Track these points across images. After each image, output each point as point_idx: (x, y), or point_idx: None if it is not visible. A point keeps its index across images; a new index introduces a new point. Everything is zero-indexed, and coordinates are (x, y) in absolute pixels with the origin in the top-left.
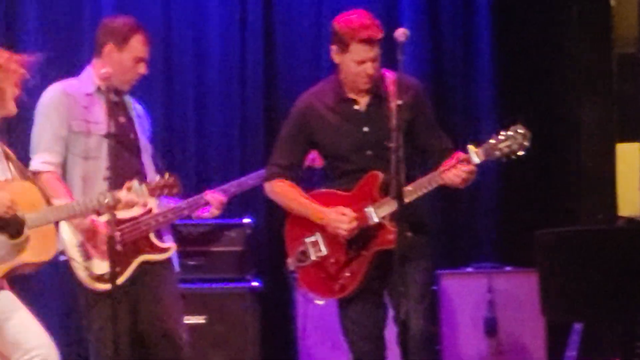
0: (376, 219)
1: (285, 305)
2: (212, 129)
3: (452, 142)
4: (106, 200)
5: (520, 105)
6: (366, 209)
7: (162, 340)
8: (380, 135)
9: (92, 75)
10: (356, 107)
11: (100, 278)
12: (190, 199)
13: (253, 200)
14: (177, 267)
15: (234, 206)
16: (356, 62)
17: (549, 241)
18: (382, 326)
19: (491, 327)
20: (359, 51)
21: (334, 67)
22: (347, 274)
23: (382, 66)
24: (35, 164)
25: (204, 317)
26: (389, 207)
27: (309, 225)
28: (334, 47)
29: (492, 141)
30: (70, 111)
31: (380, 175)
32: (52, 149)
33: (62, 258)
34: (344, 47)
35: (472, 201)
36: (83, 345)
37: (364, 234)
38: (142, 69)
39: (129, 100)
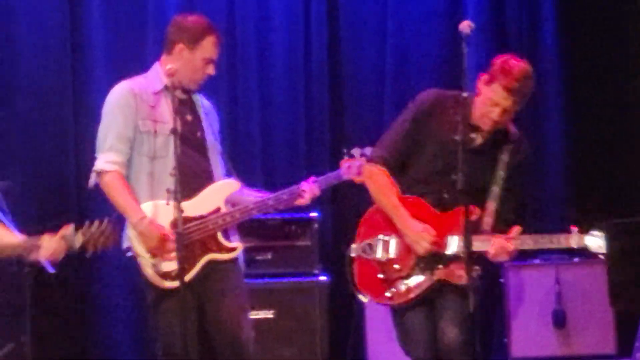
0: (453, 251)
1: (352, 300)
2: (277, 127)
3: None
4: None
5: (587, 98)
6: (449, 237)
7: (227, 340)
8: (476, 175)
9: (159, 73)
10: (473, 135)
11: (167, 275)
12: (258, 200)
13: (320, 195)
14: (242, 264)
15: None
16: (491, 102)
17: (617, 231)
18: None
19: (559, 319)
20: (498, 93)
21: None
22: (403, 287)
23: (451, 60)
24: (100, 163)
25: (272, 311)
26: (470, 246)
27: (389, 224)
28: (485, 77)
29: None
30: (137, 111)
31: (477, 212)
32: (117, 148)
33: (129, 254)
34: (490, 82)
35: (540, 192)
36: (151, 341)
37: (436, 259)
38: (211, 69)
39: (197, 97)
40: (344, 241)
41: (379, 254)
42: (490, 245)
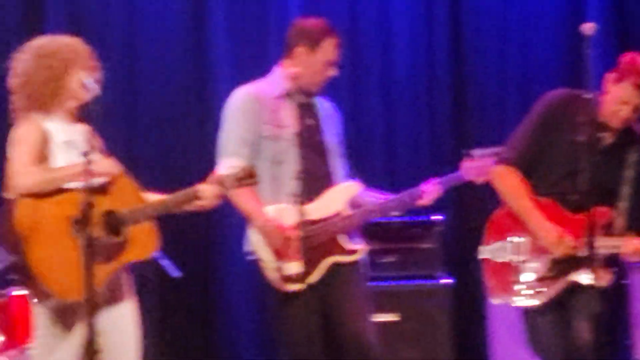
0: (588, 253)
1: (477, 302)
2: (400, 129)
3: None
4: (195, 194)
5: None
6: (583, 239)
7: (351, 342)
8: (605, 175)
9: (280, 77)
10: (602, 135)
11: (289, 279)
12: (379, 202)
13: (443, 198)
14: (365, 267)
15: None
16: (621, 100)
17: None
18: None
19: None
20: (628, 91)
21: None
22: (536, 289)
23: (572, 60)
24: (222, 168)
25: (396, 314)
26: (605, 248)
27: (519, 225)
28: (613, 75)
29: None
30: (259, 115)
31: (611, 215)
32: (239, 153)
33: (251, 258)
34: (619, 80)
35: None
36: (274, 345)
37: (570, 260)
38: (332, 71)
39: (317, 100)
40: (468, 244)
41: (511, 256)
42: (624, 246)
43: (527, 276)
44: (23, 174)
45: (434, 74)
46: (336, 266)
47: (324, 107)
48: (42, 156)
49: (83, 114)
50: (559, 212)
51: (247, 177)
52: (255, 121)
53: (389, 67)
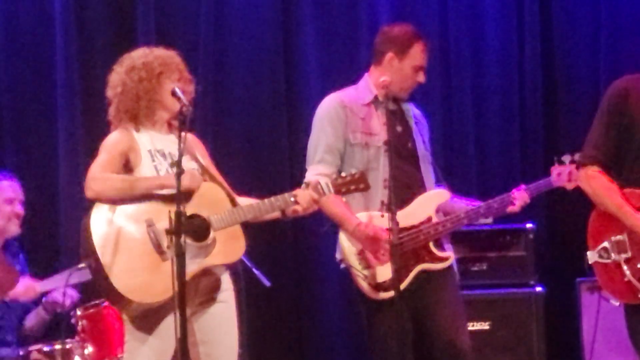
0: None
1: (570, 310)
2: (491, 135)
3: None
4: (291, 199)
5: None
6: None
7: (446, 349)
8: None
9: (369, 85)
10: None
11: (379, 286)
12: (469, 208)
13: (534, 205)
14: (456, 274)
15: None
16: None
17: None
18: None
19: None
20: None
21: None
22: None
23: None
24: (309, 175)
25: (488, 322)
26: None
27: (617, 223)
28: None
29: None
30: (347, 123)
31: None
32: (327, 160)
33: (342, 266)
34: None
35: None
36: (366, 354)
37: None
38: (421, 77)
39: (407, 107)
40: (559, 251)
41: (616, 255)
42: None
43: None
44: (98, 180)
45: (525, 78)
46: (426, 273)
47: (414, 113)
48: (128, 166)
49: (179, 124)
50: None
51: (358, 182)
52: (344, 129)
53: (480, 72)
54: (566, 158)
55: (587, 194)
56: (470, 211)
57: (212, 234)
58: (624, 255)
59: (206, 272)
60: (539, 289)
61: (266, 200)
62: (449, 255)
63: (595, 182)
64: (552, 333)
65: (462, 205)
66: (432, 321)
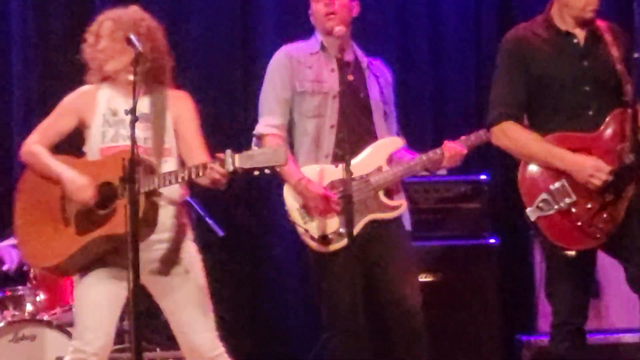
0: (632, 158)
1: (524, 262)
2: (448, 83)
3: None
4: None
5: None
6: (618, 149)
7: (396, 304)
8: (599, 72)
9: (317, 35)
10: (575, 41)
11: (324, 239)
12: (423, 155)
13: (489, 157)
14: (408, 225)
15: (470, 163)
16: None
17: None
18: None
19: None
20: None
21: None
22: (605, 217)
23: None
24: (260, 127)
25: (441, 274)
26: None
27: (550, 172)
28: None
29: None
30: (294, 73)
31: (628, 112)
32: (276, 112)
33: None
34: None
35: None
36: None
37: (620, 175)
38: (321, 7)
39: (363, 58)
40: (514, 204)
41: (561, 203)
42: None
43: (590, 212)
44: (26, 152)
45: (482, 30)
46: (376, 224)
47: (374, 65)
48: (84, 124)
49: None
50: (576, 139)
51: (273, 158)
52: (290, 79)
53: (438, 23)
54: None
55: (508, 150)
56: (419, 159)
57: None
58: (568, 200)
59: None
60: (492, 240)
61: (183, 169)
62: (399, 204)
63: (513, 134)
64: (506, 285)
65: (416, 154)
66: (382, 275)
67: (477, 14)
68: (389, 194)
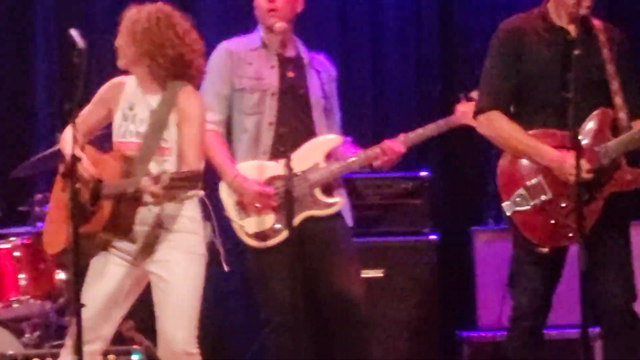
0: (609, 159)
1: (464, 259)
2: (388, 78)
3: None
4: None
5: None
6: (597, 149)
7: (338, 298)
8: (588, 69)
9: (260, 30)
10: (568, 37)
11: (258, 235)
12: (361, 152)
13: (430, 152)
14: (349, 221)
15: (411, 158)
16: None
17: None
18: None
19: None
20: None
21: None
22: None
23: None
24: None
25: (382, 270)
26: (623, 146)
27: (528, 168)
28: None
29: None
30: (232, 69)
31: (610, 112)
32: (214, 108)
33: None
34: None
35: None
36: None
37: (596, 176)
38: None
39: (305, 54)
40: (455, 199)
41: (536, 200)
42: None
43: (564, 210)
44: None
45: (422, 28)
46: (314, 221)
47: (317, 62)
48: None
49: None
50: (558, 137)
51: (191, 180)
52: (229, 75)
53: (379, 17)
54: (475, 94)
55: (492, 140)
56: (358, 157)
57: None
58: (543, 197)
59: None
60: (433, 237)
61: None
62: (336, 201)
63: (498, 124)
64: (446, 281)
65: (355, 151)
66: (322, 269)
67: (417, 11)
68: (327, 191)
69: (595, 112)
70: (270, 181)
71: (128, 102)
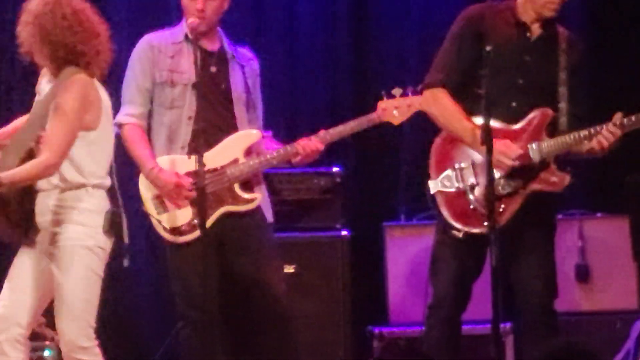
0: (539, 157)
1: (374, 254)
2: (302, 80)
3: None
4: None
5: None
6: (530, 145)
7: (256, 290)
8: (538, 70)
9: (183, 24)
10: (528, 34)
11: (176, 230)
12: (281, 149)
13: (342, 148)
14: (269, 217)
15: (323, 154)
16: None
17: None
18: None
19: (583, 274)
20: None
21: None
22: (499, 209)
23: None
24: (119, 116)
25: (293, 266)
26: (555, 147)
27: (461, 150)
28: None
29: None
30: (154, 62)
31: (551, 114)
32: (135, 101)
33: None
34: None
35: None
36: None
37: (523, 171)
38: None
39: (229, 48)
40: (367, 195)
41: (460, 183)
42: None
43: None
44: None
45: (336, 27)
46: (231, 216)
47: (241, 55)
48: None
49: None
50: (498, 128)
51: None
52: (151, 68)
53: (293, 22)
54: (397, 91)
55: (434, 117)
56: (277, 153)
57: None
58: (469, 182)
59: None
60: (344, 232)
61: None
62: (254, 196)
63: (442, 103)
64: (357, 277)
65: (276, 147)
66: (239, 265)
67: (333, 11)
68: (246, 186)
69: (536, 110)
70: (188, 176)
71: (39, 90)
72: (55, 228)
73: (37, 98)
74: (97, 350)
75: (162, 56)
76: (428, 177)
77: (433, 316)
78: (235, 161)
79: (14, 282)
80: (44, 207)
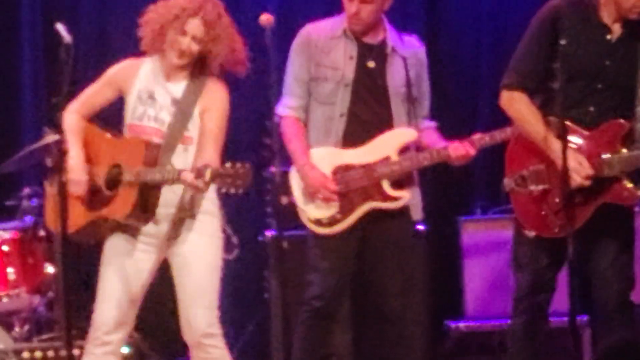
0: (613, 171)
1: (450, 248)
2: None
3: None
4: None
5: None
6: (604, 157)
7: (372, 288)
8: (618, 74)
9: (343, 18)
10: (608, 36)
11: (318, 222)
12: (434, 151)
13: None
14: (418, 214)
15: None
16: None
17: None
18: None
19: None
20: None
21: None
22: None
23: None
24: (279, 107)
25: None
26: (627, 163)
27: (538, 152)
28: None
29: None
30: (311, 56)
31: (626, 125)
32: (294, 93)
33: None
34: None
35: None
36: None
37: (595, 182)
38: (352, 7)
39: (391, 41)
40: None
41: (532, 185)
42: None
43: (556, 206)
44: (64, 116)
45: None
46: (377, 212)
47: (403, 44)
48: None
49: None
50: (573, 132)
51: (236, 177)
52: (307, 61)
53: None
54: None
55: (511, 117)
56: (430, 154)
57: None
58: (541, 186)
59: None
60: (421, 227)
61: (168, 168)
62: (402, 195)
63: (517, 106)
64: (434, 271)
65: (436, 139)
66: (377, 269)
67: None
68: (397, 184)
69: (612, 122)
70: (338, 170)
71: (145, 85)
72: (189, 219)
73: (152, 96)
74: (221, 338)
75: (318, 51)
76: (503, 174)
77: (517, 308)
78: (387, 159)
79: (135, 281)
80: (169, 199)
